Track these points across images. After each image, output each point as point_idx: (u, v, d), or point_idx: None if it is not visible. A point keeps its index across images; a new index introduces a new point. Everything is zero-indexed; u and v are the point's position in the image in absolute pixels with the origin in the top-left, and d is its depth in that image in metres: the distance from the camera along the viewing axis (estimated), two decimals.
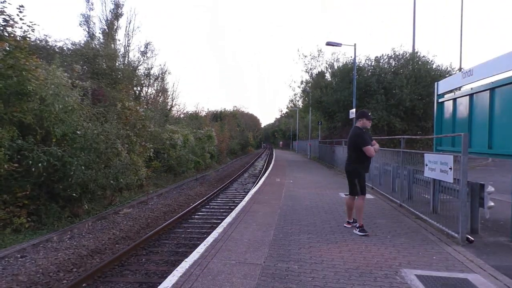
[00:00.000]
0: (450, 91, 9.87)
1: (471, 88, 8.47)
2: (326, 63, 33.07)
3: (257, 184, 14.05)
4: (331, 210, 8.52)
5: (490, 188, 6.44)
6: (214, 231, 6.45)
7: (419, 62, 24.33)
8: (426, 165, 7.03)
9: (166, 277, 4.37)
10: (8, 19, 9.21)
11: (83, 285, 5.78)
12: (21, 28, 9.52)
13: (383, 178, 11.46)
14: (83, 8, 30.97)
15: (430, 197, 7.82)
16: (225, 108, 69.02)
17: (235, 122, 58.99)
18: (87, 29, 25.16)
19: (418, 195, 8.53)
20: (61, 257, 7.07)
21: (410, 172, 8.74)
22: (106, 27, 25.71)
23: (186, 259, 4.88)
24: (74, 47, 19.47)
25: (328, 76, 32.67)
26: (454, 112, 9.37)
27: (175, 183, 17.76)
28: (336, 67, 30.47)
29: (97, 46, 21.49)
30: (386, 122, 23.26)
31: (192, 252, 5.29)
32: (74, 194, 9.38)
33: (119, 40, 26.57)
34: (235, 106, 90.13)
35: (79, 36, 32.68)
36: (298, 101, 49.95)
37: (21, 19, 9.41)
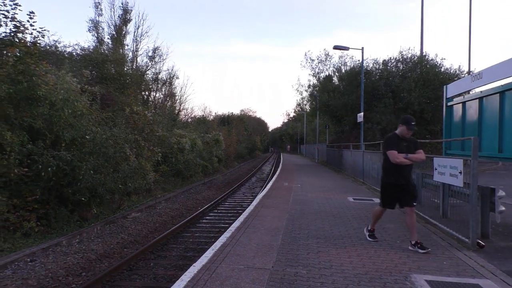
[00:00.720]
0: (459, 95, 9.80)
1: (481, 92, 8.40)
2: (334, 67, 33.12)
3: (265, 188, 14.03)
4: (340, 214, 8.48)
5: (501, 193, 6.37)
6: (222, 235, 6.45)
7: (427, 66, 24.20)
8: (435, 169, 6.96)
9: (174, 281, 4.37)
10: (19, 25, 9.34)
11: None
12: (31, 34, 9.66)
13: None
14: (92, 13, 31.35)
15: (440, 202, 7.74)
16: (232, 112, 69.21)
17: (242, 126, 59.07)
18: (96, 35, 25.43)
19: (427, 199, 8.46)
20: (70, 261, 7.11)
21: (419, 176, 8.66)
22: (114, 33, 25.96)
23: (194, 264, 4.88)
24: (83, 52, 19.70)
25: (335, 80, 32.67)
26: (464, 115, 9.28)
27: (183, 187, 17.81)
28: (343, 71, 30.48)
29: (106, 52, 21.72)
30: (394, 126, 23.09)
31: (200, 256, 5.29)
32: (83, 198, 9.45)
33: (127, 45, 26.84)
34: (242, 110, 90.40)
35: (88, 41, 33.05)
36: (305, 105, 50.00)
37: (31, 25, 9.54)
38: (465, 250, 5.62)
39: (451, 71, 24.12)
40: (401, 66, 25.97)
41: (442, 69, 24.24)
